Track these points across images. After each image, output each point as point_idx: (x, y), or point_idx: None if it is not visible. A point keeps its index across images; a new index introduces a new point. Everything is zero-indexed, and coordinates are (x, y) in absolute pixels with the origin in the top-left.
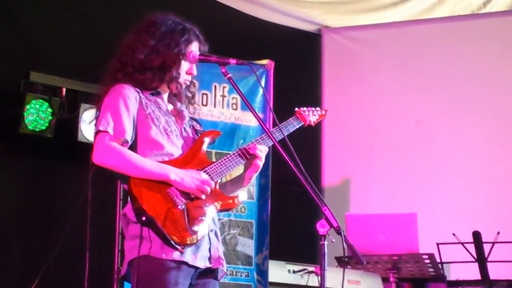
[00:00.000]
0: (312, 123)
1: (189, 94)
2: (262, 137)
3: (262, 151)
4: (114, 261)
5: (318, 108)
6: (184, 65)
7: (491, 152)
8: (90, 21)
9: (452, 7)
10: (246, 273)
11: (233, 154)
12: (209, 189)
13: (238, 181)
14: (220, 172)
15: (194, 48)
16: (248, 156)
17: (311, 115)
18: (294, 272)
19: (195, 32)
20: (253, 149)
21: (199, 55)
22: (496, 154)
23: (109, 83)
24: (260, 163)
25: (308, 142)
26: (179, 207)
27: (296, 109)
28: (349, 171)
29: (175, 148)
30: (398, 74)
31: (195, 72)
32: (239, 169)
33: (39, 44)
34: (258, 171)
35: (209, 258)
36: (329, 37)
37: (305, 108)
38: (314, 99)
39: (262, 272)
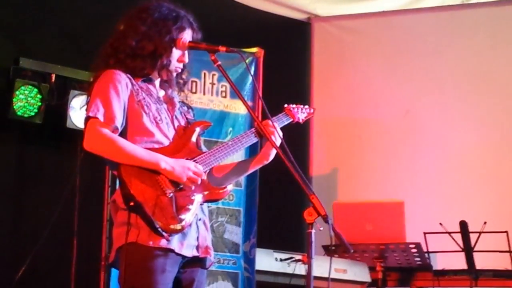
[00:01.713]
0: (301, 121)
1: (181, 81)
2: (252, 130)
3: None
4: (101, 248)
5: (307, 106)
6: (176, 53)
7: (479, 142)
8: (81, 7)
9: None
10: (234, 261)
11: (223, 145)
12: (199, 180)
13: (237, 172)
14: (209, 162)
15: (187, 35)
16: (237, 148)
17: (300, 113)
18: (281, 260)
19: (189, 20)
20: (268, 125)
21: (189, 42)
22: (484, 144)
23: (101, 68)
24: (270, 158)
25: (296, 130)
26: (168, 195)
27: (286, 105)
28: (337, 160)
29: (165, 136)
30: (387, 63)
31: (186, 59)
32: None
33: (29, 29)
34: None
35: (197, 247)
36: (319, 26)
37: (294, 105)
38: (303, 88)
39: (250, 260)
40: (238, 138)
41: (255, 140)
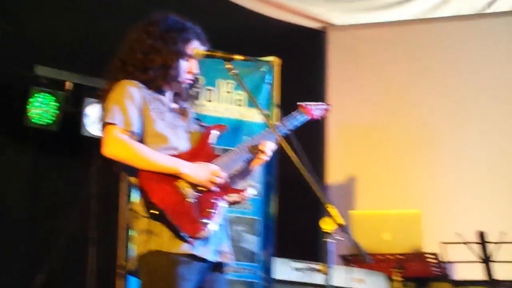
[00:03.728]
0: (316, 117)
1: (193, 94)
2: (268, 131)
3: (270, 147)
4: (118, 255)
5: (321, 103)
6: (184, 64)
7: (496, 151)
8: (95, 16)
9: (457, 7)
10: (251, 270)
11: (240, 148)
12: (222, 181)
13: (242, 176)
14: (227, 165)
15: (195, 46)
16: (255, 151)
17: (315, 109)
18: (298, 269)
19: (195, 31)
20: (263, 145)
21: (205, 50)
22: (502, 154)
23: (111, 81)
24: (266, 158)
25: (312, 139)
26: (189, 200)
27: (299, 103)
28: (354, 169)
29: (181, 142)
30: (403, 73)
31: (196, 70)
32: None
33: (44, 37)
34: (262, 165)
35: (217, 252)
36: (334, 35)
37: (308, 102)
38: (318, 96)
39: (267, 269)
40: (252, 140)
41: (248, 155)
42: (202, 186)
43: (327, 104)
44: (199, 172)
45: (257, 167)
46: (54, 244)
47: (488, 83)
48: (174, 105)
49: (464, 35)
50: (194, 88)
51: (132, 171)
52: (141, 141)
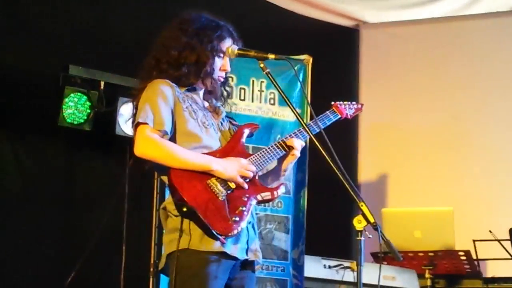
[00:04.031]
0: (349, 116)
1: (225, 93)
2: (300, 130)
3: (299, 143)
4: (150, 254)
5: (354, 102)
6: (218, 61)
7: None
8: (129, 15)
9: (489, 4)
10: (282, 268)
11: (272, 146)
12: (251, 174)
13: (273, 175)
14: (259, 163)
15: (228, 44)
16: (286, 148)
17: (348, 109)
18: (330, 267)
19: (229, 29)
20: (290, 142)
21: (238, 49)
22: None
23: (145, 80)
24: (297, 153)
25: (344, 137)
26: (220, 198)
27: (333, 102)
28: (386, 167)
29: (213, 140)
30: (435, 70)
31: (228, 68)
32: (271, 166)
33: (78, 37)
34: (293, 163)
35: (247, 250)
36: (367, 33)
37: (341, 102)
38: (350, 94)
39: (298, 267)
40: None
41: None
42: (233, 181)
43: (360, 104)
44: (230, 167)
45: (289, 166)
46: (87, 243)
47: None
48: (206, 104)
49: (495, 32)
50: (226, 87)
51: (164, 170)
52: (173, 139)
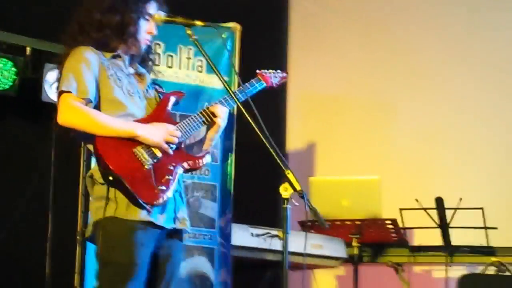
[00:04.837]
0: (274, 85)
1: (149, 62)
2: (225, 98)
3: (222, 110)
4: (76, 222)
5: (279, 71)
6: (144, 24)
7: (454, 117)
8: None
9: None
10: (209, 236)
11: (197, 114)
12: (176, 140)
13: (200, 144)
14: (185, 131)
15: (153, 7)
16: (211, 116)
17: (273, 77)
18: (257, 235)
19: None
20: (213, 108)
21: (165, 15)
22: (460, 119)
23: (70, 45)
24: (221, 122)
25: (272, 106)
26: (146, 166)
27: (258, 71)
28: (314, 136)
29: (138, 108)
30: (363, 40)
31: (155, 31)
32: (201, 133)
33: (3, 1)
34: (219, 132)
35: (174, 219)
36: (296, 1)
37: (266, 70)
38: (279, 63)
39: (225, 235)
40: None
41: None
42: (158, 147)
43: (285, 73)
44: (155, 132)
45: (215, 135)
46: (13, 210)
47: (444, 44)
48: (131, 70)
49: (421, 2)
50: (149, 54)
51: (89, 138)
52: (98, 107)
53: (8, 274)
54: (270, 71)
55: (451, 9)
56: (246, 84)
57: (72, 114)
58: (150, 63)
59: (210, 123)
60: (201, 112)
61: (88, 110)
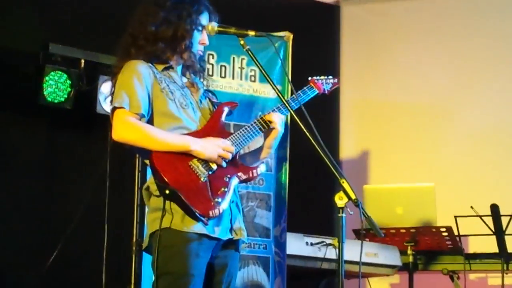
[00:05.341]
0: (326, 92)
1: (202, 70)
2: (279, 106)
3: (279, 117)
4: (132, 233)
5: (331, 77)
6: (197, 35)
7: (509, 121)
8: None
9: None
10: (264, 245)
11: (251, 124)
12: (230, 156)
13: (257, 153)
14: (240, 142)
15: (205, 18)
16: (266, 126)
17: (325, 84)
18: (312, 244)
19: (205, 2)
20: (269, 116)
21: (218, 26)
22: None
23: (122, 58)
24: (279, 127)
25: (326, 114)
26: (202, 179)
27: (310, 78)
28: (368, 143)
29: (192, 121)
30: (416, 47)
31: (207, 41)
32: (257, 143)
33: (58, 15)
34: (278, 138)
35: (231, 229)
36: (348, 9)
37: (318, 77)
38: (332, 72)
39: (280, 244)
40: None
41: (284, 113)
42: (213, 162)
43: (337, 78)
44: (209, 147)
45: (273, 142)
46: (69, 223)
47: (501, 55)
48: (184, 79)
49: (478, 8)
50: (201, 62)
51: (145, 153)
52: (151, 121)
53: (65, 285)
54: (322, 77)
55: (504, 13)
56: (299, 92)
57: (127, 130)
58: (202, 71)
59: (266, 131)
60: (256, 121)
61: (142, 125)
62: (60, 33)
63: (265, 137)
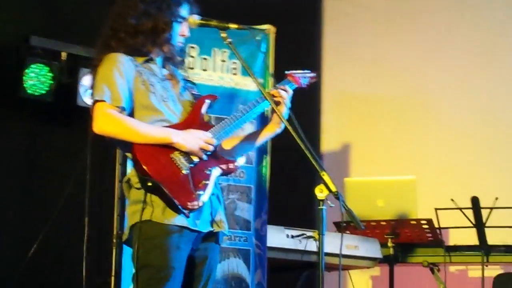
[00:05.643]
0: (303, 85)
1: (182, 61)
2: (260, 99)
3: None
4: (113, 226)
5: (308, 71)
6: (176, 27)
7: (492, 117)
8: None
9: None
10: (245, 238)
11: (231, 117)
12: (211, 148)
13: (239, 147)
14: (221, 134)
15: (185, 9)
16: (246, 119)
17: (302, 78)
18: (292, 237)
19: None
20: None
21: (200, 19)
22: (497, 120)
23: (103, 51)
24: (285, 102)
25: (307, 107)
26: (184, 171)
27: (287, 72)
28: (349, 136)
29: (173, 113)
30: (398, 39)
31: (188, 33)
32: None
33: (40, 8)
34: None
35: (211, 222)
36: (330, 2)
37: (296, 71)
38: (314, 64)
39: (261, 237)
40: (246, 107)
41: (265, 105)
42: (195, 155)
43: (314, 73)
44: (190, 140)
45: (268, 136)
46: (49, 215)
47: (484, 47)
48: (165, 71)
49: (459, 2)
50: (182, 54)
51: (126, 145)
52: (133, 114)
53: (45, 278)
54: (299, 71)
55: (488, 4)
56: (276, 85)
57: (108, 123)
58: (182, 63)
59: (259, 130)
60: (236, 115)
61: (123, 118)
62: (41, 25)
63: (256, 132)
